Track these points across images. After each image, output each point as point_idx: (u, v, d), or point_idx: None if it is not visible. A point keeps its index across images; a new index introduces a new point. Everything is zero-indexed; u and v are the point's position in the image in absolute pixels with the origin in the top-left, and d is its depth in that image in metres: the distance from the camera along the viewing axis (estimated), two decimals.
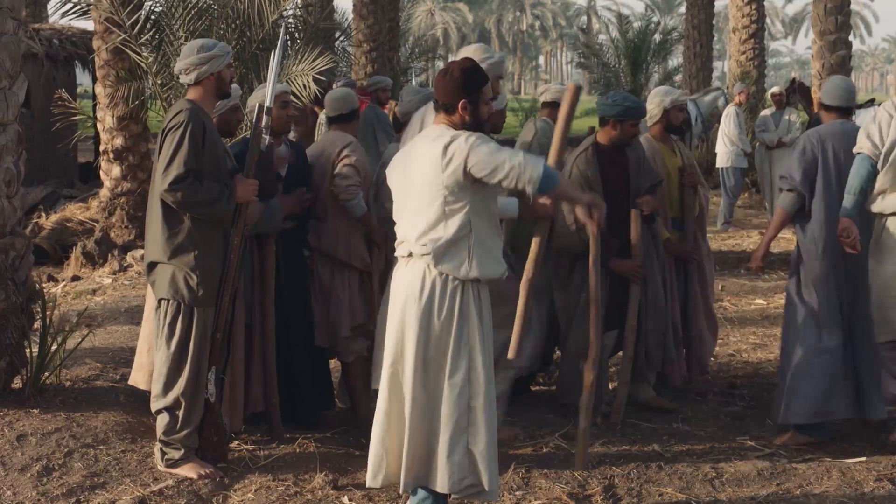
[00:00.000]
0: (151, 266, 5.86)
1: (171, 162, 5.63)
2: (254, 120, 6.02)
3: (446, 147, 4.90)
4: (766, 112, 16.41)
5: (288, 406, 6.66)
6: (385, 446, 5.06)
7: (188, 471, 5.85)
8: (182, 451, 5.87)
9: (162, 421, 5.88)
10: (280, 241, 6.63)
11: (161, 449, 5.90)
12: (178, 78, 6.04)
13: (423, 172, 4.98)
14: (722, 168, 16.23)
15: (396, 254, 5.17)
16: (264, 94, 6.20)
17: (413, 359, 4.98)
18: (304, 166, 6.88)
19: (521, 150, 5.06)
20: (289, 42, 11.60)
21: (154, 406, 5.89)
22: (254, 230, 6.23)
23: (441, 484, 4.98)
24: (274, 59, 6.15)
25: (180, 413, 5.83)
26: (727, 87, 23.42)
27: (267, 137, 6.05)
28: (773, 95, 16.45)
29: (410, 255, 5.03)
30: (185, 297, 5.75)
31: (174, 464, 5.88)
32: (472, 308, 5.02)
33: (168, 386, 5.82)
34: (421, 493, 5.11)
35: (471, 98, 5.00)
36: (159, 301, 5.85)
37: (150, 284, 5.96)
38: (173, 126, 5.68)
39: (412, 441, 4.99)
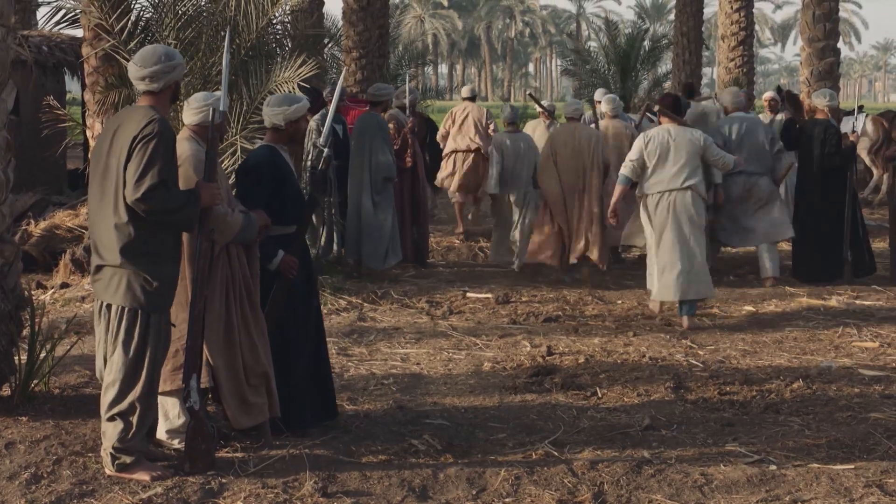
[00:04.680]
0: (99, 269, 5.86)
1: (144, 173, 5.63)
2: (210, 125, 6.04)
3: (703, 137, 10.13)
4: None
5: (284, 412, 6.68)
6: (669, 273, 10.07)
7: (141, 474, 5.88)
8: (134, 457, 5.90)
9: (115, 428, 5.87)
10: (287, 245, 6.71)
11: (112, 454, 5.90)
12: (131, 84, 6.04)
13: (684, 147, 9.97)
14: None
15: (662, 187, 10.00)
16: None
17: (689, 224, 9.98)
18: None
19: (720, 150, 10.47)
20: (277, 49, 11.60)
21: (108, 413, 5.89)
22: (235, 239, 6.24)
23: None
24: (224, 63, 6.20)
25: (134, 418, 5.86)
26: (717, 95, 23.44)
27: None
28: (767, 101, 16.43)
29: (671, 190, 9.97)
30: (144, 302, 5.77)
31: (125, 468, 5.90)
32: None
33: (125, 392, 5.84)
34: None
35: None
36: (108, 306, 5.85)
37: (95, 287, 5.95)
38: (147, 136, 5.66)
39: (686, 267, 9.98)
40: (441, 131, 16.18)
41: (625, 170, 10.25)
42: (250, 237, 6.33)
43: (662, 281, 10.06)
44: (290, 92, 10.34)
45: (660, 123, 10.44)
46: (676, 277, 9.95)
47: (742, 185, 11.95)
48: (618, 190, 10.40)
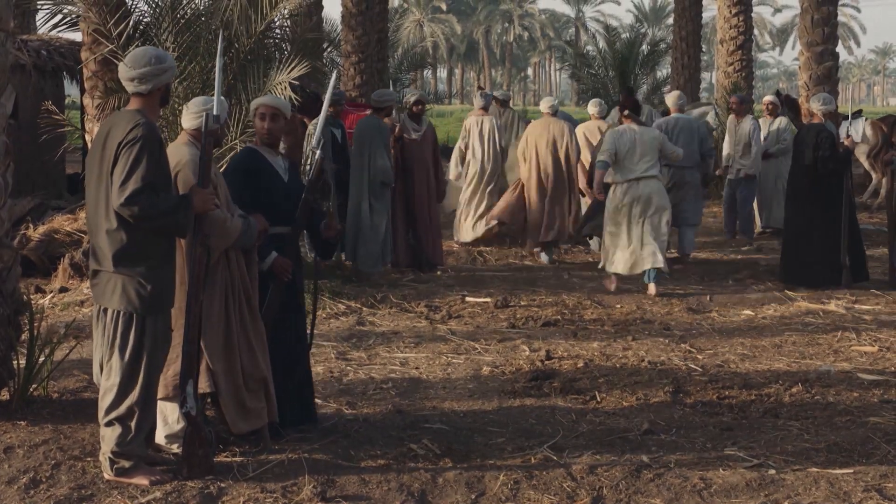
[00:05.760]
0: (96, 273, 5.87)
1: (128, 177, 5.62)
2: (203, 129, 6.03)
3: (660, 134, 12.11)
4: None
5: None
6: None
7: (140, 479, 5.88)
8: (133, 461, 5.89)
9: (114, 432, 5.87)
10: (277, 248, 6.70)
11: (110, 458, 5.90)
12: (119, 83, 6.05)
13: (646, 142, 11.71)
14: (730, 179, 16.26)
15: (626, 175, 11.67)
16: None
17: (652, 207, 11.66)
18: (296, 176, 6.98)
19: (672, 144, 12.31)
20: (276, 53, 11.62)
21: (106, 417, 5.89)
22: (235, 244, 6.25)
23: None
24: (217, 67, 6.20)
25: (133, 423, 5.86)
26: (716, 100, 23.48)
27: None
28: (766, 105, 16.47)
29: (639, 178, 11.65)
30: (138, 306, 5.78)
31: (124, 473, 5.89)
32: None
33: (122, 396, 5.84)
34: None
35: None
36: (104, 310, 5.86)
37: (93, 292, 5.95)
38: (130, 140, 5.66)
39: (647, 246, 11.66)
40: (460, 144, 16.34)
41: (602, 156, 11.84)
42: (249, 242, 6.33)
43: (636, 254, 11.72)
44: (282, 94, 10.36)
45: (621, 123, 12.34)
46: (647, 251, 11.63)
47: (672, 176, 13.26)
48: (598, 174, 11.93)
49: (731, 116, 16.22)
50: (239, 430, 6.38)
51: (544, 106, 14.57)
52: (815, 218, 11.99)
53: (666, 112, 14.87)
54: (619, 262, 11.80)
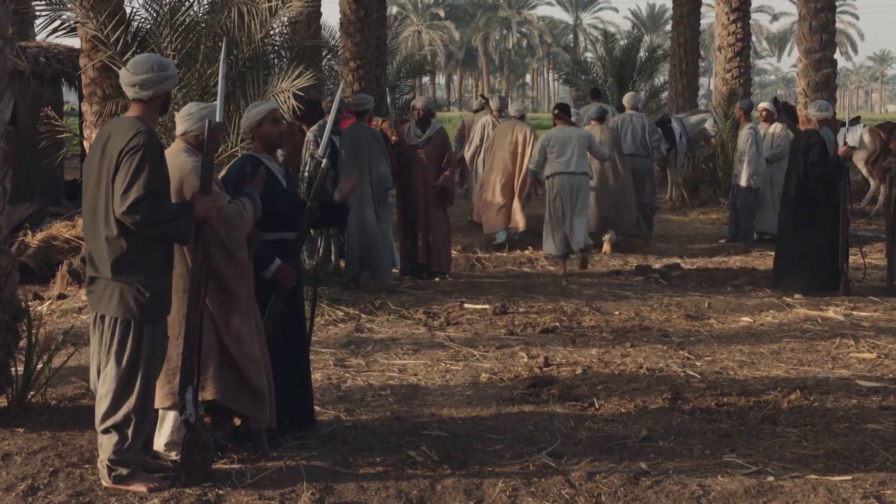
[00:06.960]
0: (93, 280, 5.87)
1: (131, 185, 5.62)
2: (205, 136, 6.03)
3: (588, 134, 13.67)
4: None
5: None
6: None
7: (138, 486, 5.88)
8: (131, 468, 5.89)
9: (111, 440, 5.87)
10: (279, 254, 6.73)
11: (108, 466, 5.90)
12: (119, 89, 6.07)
13: (575, 140, 13.10)
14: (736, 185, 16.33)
15: (561, 169, 13.08)
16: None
17: (580, 198, 13.22)
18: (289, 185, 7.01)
19: (599, 145, 14.02)
20: (275, 60, 11.62)
21: (102, 425, 5.89)
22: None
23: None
24: (220, 74, 6.20)
25: (130, 430, 5.86)
26: (714, 106, 23.51)
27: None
28: (761, 111, 16.51)
29: (571, 173, 13.06)
30: (136, 313, 5.78)
31: (122, 480, 5.89)
32: None
33: (118, 403, 5.84)
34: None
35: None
36: (101, 317, 5.86)
37: (90, 299, 5.96)
38: (133, 148, 5.66)
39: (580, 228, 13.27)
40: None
41: (531, 165, 13.65)
42: (259, 213, 6.39)
43: (566, 238, 13.27)
44: (284, 101, 10.37)
45: (555, 125, 13.70)
46: (577, 235, 13.23)
47: (628, 164, 15.39)
48: (528, 182, 13.93)
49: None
50: (241, 409, 6.35)
51: (512, 110, 16.15)
52: (807, 223, 12.00)
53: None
54: (551, 245, 13.33)
